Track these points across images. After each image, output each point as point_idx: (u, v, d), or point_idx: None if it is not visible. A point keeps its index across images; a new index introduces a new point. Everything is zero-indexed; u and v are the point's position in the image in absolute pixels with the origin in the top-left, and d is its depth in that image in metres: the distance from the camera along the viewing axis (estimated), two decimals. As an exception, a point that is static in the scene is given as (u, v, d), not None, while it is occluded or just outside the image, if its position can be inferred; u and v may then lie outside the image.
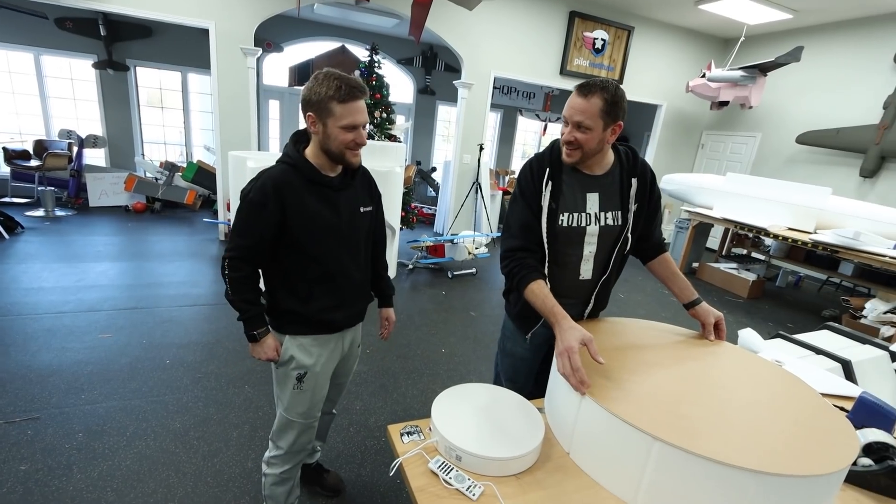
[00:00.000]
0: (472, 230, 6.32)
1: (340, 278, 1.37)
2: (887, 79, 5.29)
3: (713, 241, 6.43)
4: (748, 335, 1.84)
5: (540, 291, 1.24)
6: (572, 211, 1.31)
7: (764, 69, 5.55)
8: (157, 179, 6.52)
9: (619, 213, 1.36)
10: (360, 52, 7.03)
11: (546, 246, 1.32)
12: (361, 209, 1.39)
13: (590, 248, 1.35)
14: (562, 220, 1.31)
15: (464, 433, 1.02)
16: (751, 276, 5.12)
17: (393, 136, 5.33)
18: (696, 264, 5.76)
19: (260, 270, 1.36)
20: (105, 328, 3.01)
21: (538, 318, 1.40)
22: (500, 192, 6.99)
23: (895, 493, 0.99)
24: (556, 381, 1.16)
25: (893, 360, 1.94)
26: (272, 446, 1.50)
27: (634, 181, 1.35)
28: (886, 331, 3.92)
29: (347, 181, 1.35)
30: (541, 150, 1.41)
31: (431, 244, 4.88)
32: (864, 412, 1.17)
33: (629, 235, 1.37)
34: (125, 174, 6.24)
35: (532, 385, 1.55)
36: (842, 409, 1.25)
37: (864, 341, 2.05)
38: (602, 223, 1.34)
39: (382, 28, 7.46)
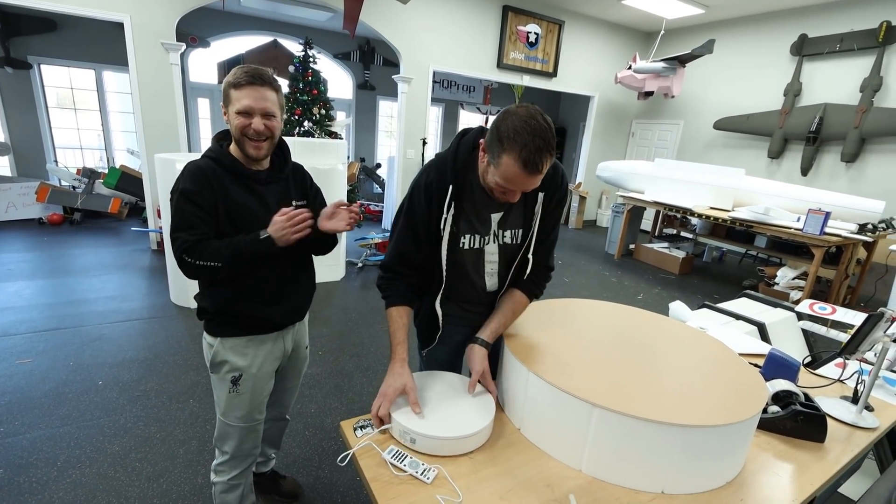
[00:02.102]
0: (420, 225, 6.33)
1: (272, 273, 1.32)
2: (786, 68, 5.86)
3: (646, 223, 6.86)
4: (677, 307, 2.01)
5: (398, 320, 1.21)
6: (474, 233, 1.22)
7: (682, 61, 5.97)
8: (74, 188, 5.98)
9: (520, 230, 1.26)
10: (294, 47, 6.78)
11: (444, 267, 1.21)
12: (294, 203, 1.35)
13: (491, 265, 1.29)
14: (463, 244, 1.22)
15: (417, 417, 1.05)
16: (680, 254, 5.52)
17: (333, 132, 5.22)
18: (632, 246, 6.12)
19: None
20: (23, 353, 2.74)
21: (433, 338, 1.34)
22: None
23: (799, 433, 1.13)
24: (506, 364, 1.21)
25: (799, 319, 2.19)
26: (218, 452, 1.45)
27: (541, 196, 1.20)
28: (795, 294, 4.37)
29: (276, 174, 1.33)
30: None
31: (380, 241, 4.85)
32: (773, 366, 1.33)
33: (529, 257, 1.25)
34: (36, 183, 5.67)
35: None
36: (756, 365, 1.40)
37: (776, 305, 2.29)
38: (500, 241, 1.26)
39: (316, 22, 7.24)
